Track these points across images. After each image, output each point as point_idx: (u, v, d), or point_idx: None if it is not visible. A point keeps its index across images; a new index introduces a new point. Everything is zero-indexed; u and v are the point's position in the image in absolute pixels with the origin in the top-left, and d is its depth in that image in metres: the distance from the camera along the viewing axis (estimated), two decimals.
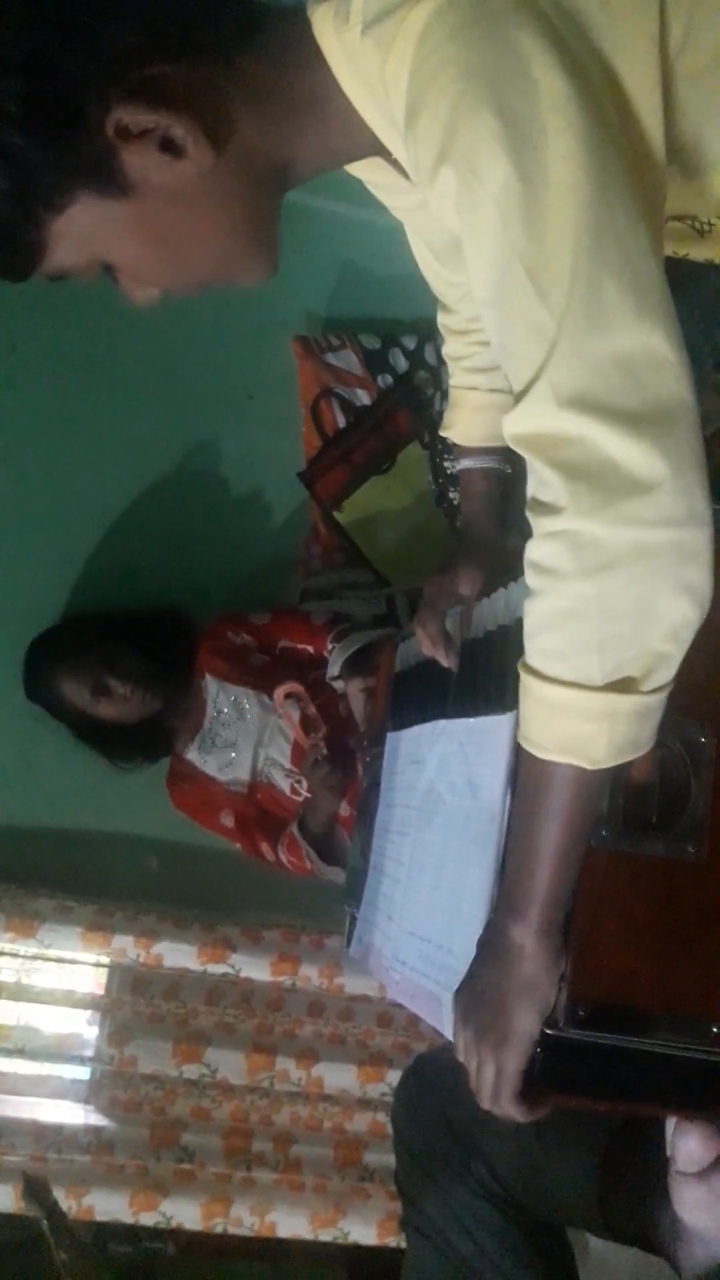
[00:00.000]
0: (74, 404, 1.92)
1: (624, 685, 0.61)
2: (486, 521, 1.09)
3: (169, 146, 0.61)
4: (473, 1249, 1.05)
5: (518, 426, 0.60)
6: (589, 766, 0.63)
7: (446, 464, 1.93)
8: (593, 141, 0.56)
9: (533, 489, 0.61)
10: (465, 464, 1.09)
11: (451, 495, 1.94)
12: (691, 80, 0.64)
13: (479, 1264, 1.04)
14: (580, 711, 0.62)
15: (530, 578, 0.62)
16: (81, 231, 0.63)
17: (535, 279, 0.56)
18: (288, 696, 1.72)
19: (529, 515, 0.61)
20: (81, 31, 0.58)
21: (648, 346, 0.56)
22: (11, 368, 1.89)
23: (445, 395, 1.95)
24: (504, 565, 1.03)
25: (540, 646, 0.63)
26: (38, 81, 0.57)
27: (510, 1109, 0.75)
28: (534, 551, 0.61)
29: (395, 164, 0.73)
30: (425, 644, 1.04)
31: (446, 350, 1.08)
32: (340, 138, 0.70)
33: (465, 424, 1.07)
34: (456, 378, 1.07)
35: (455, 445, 1.10)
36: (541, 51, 0.55)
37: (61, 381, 1.91)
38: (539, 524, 0.60)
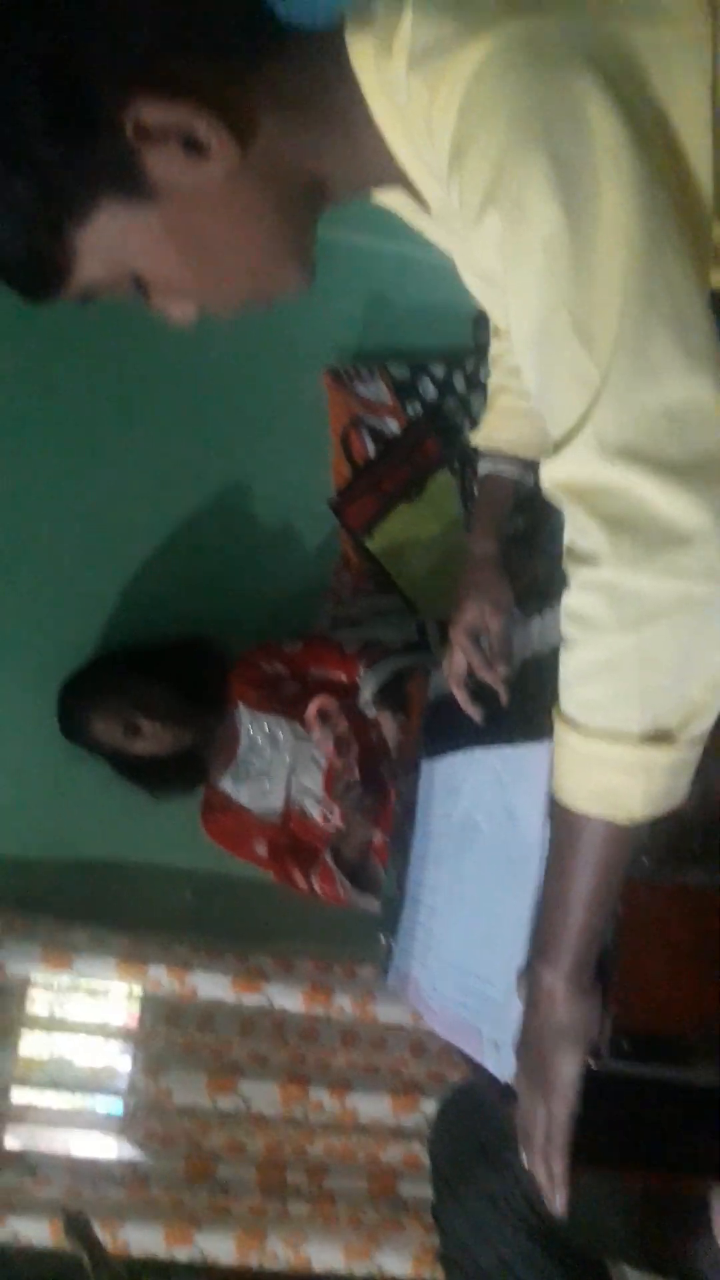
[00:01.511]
0: (110, 440, 1.95)
1: (661, 737, 0.60)
2: (491, 539, 1.10)
3: (192, 146, 0.60)
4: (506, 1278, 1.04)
5: (558, 474, 0.59)
6: (624, 820, 0.63)
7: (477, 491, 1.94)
8: (645, 187, 0.55)
9: (570, 538, 0.60)
10: (486, 467, 1.08)
11: None
12: None
13: None
14: (616, 764, 0.61)
15: (567, 627, 0.61)
16: (109, 241, 0.62)
17: (581, 325, 0.56)
18: (320, 713, 1.72)
19: (566, 564, 0.61)
20: (99, 33, 0.57)
21: (697, 398, 0.55)
22: (50, 406, 1.93)
23: (474, 422, 1.97)
24: (511, 585, 1.06)
25: (577, 697, 0.63)
26: (57, 90, 0.57)
27: (558, 1162, 0.74)
28: (572, 601, 0.60)
29: (416, 196, 0.72)
30: (455, 689, 1.06)
31: (491, 351, 1.07)
32: (366, 161, 0.68)
33: (490, 426, 1.06)
34: (495, 377, 1.07)
35: (479, 452, 1.10)
36: (595, 95, 0.55)
37: (97, 418, 1.94)
38: (577, 574, 0.60)
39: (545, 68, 0.55)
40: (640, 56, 0.57)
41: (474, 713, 1.05)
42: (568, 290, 0.56)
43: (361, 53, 0.64)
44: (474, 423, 1.95)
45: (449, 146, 0.59)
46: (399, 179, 0.70)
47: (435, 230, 0.87)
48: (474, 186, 0.58)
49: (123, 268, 0.64)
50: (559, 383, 0.58)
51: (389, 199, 0.78)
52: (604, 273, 0.55)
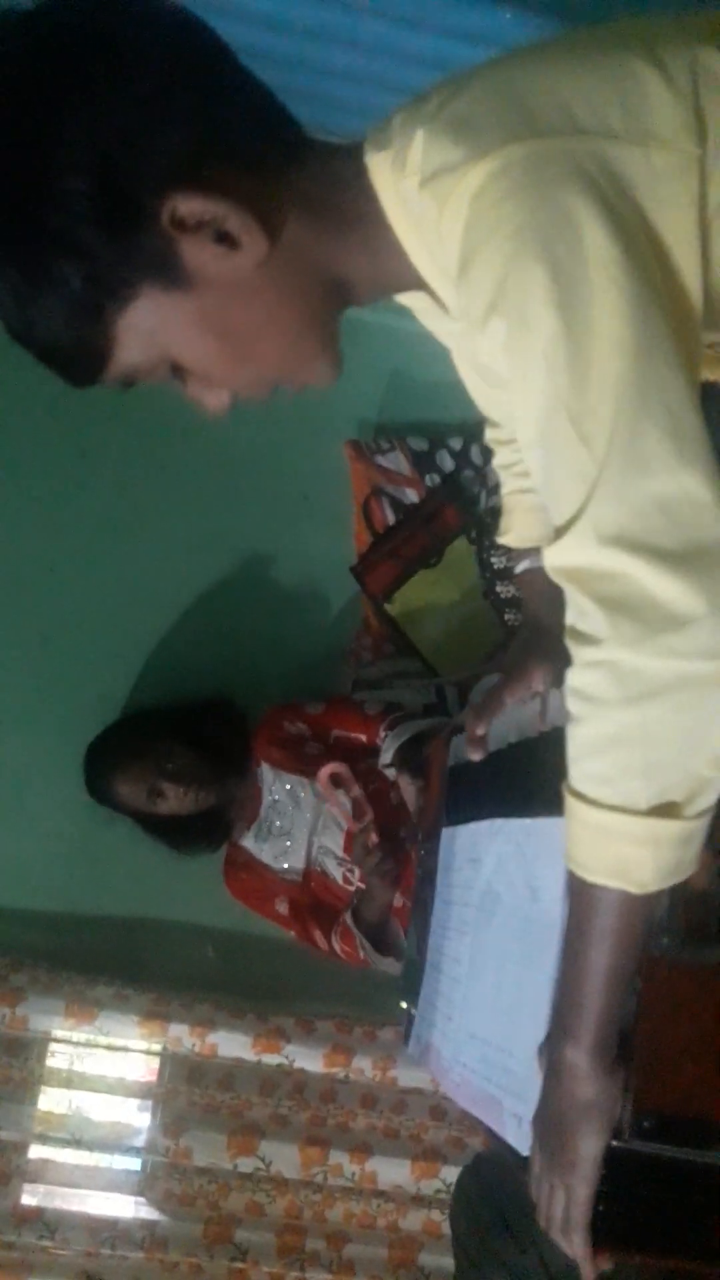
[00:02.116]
0: (138, 506, 2.01)
1: (668, 810, 0.62)
2: (550, 616, 1.09)
3: (224, 239, 0.64)
4: None
5: (559, 559, 0.63)
6: (636, 890, 0.65)
7: (494, 559, 1.98)
8: (637, 298, 0.59)
9: (571, 619, 0.63)
10: (525, 564, 1.10)
11: (499, 588, 1.98)
12: None
13: None
14: (625, 835, 0.63)
15: (572, 704, 0.64)
16: (147, 326, 0.65)
17: (578, 425, 0.59)
18: (331, 778, 1.74)
19: (569, 643, 0.64)
20: (142, 134, 0.61)
21: (686, 490, 0.58)
22: (81, 472, 2.00)
23: (491, 492, 2.03)
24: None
25: (585, 771, 0.65)
26: (102, 180, 0.61)
27: (578, 1241, 0.74)
28: (575, 679, 0.63)
29: (435, 298, 0.76)
30: (472, 752, 1.04)
31: (497, 461, 1.10)
32: (389, 268, 0.73)
33: (521, 525, 1.08)
34: (509, 484, 1.09)
35: (514, 551, 1.11)
36: (590, 214, 0.59)
37: (127, 484, 2.01)
38: (580, 653, 0.63)
39: (543, 187, 0.60)
40: (632, 177, 0.61)
41: (476, 754, 1.04)
42: (566, 393, 0.59)
43: (379, 167, 0.69)
44: (490, 492, 2.02)
45: (457, 258, 0.64)
46: (418, 283, 0.75)
47: (439, 328, 0.91)
48: (479, 296, 0.62)
49: (160, 353, 0.68)
50: (560, 477, 0.61)
51: (405, 298, 0.83)
52: (599, 377, 0.58)
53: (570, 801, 0.66)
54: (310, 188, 0.69)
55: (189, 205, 0.62)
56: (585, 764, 0.65)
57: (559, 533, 0.62)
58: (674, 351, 0.60)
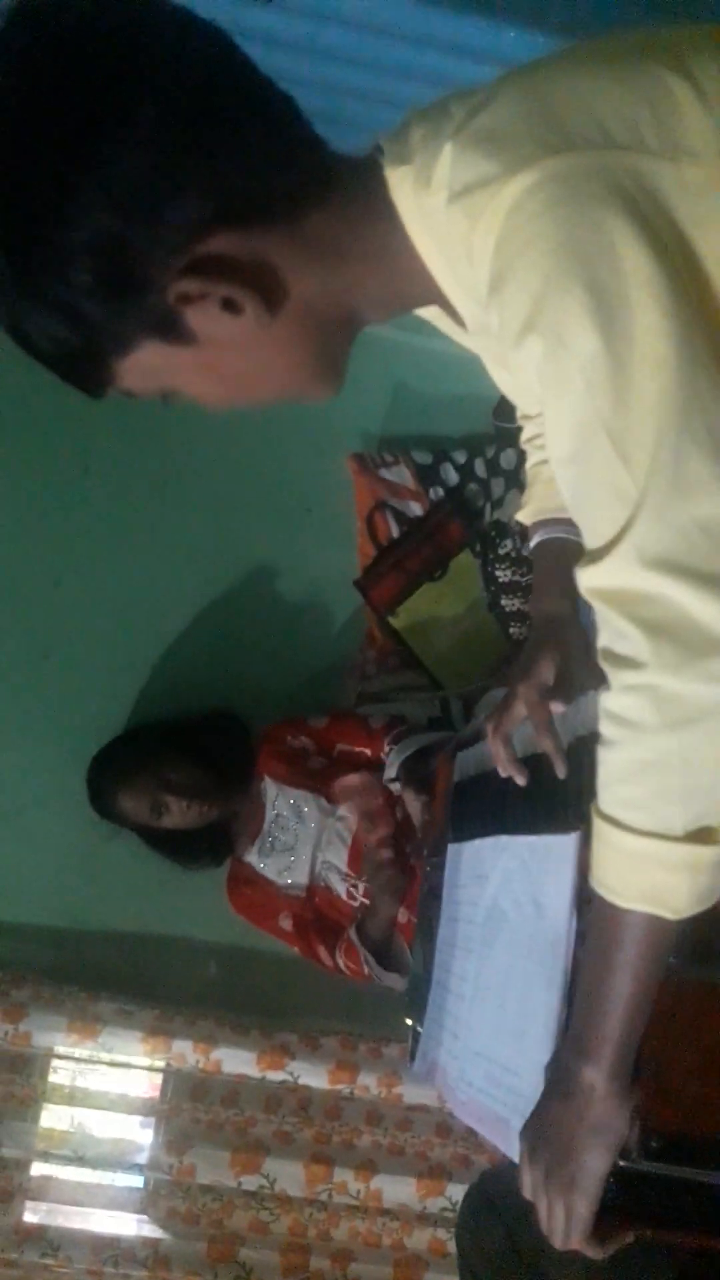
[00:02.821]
0: (142, 520, 2.02)
1: (704, 835, 0.62)
2: (563, 600, 1.05)
3: (229, 305, 0.64)
4: None
5: (598, 581, 0.62)
6: (671, 916, 0.65)
7: (498, 573, 1.99)
8: (677, 315, 0.58)
9: (607, 641, 0.63)
10: (540, 535, 1.07)
11: (503, 602, 1.98)
12: None
13: None
14: (661, 862, 0.63)
15: (608, 728, 0.64)
16: (148, 368, 0.66)
17: (620, 445, 0.59)
18: (348, 788, 1.73)
19: (604, 666, 0.63)
20: (146, 210, 0.60)
21: None
22: (85, 486, 2.01)
23: (495, 505, 2.03)
24: (581, 651, 0.99)
25: (619, 796, 0.65)
26: (106, 257, 0.60)
27: (583, 1248, 0.75)
28: (613, 703, 0.63)
29: (453, 314, 0.76)
30: (501, 765, 1.01)
31: (524, 436, 1.08)
32: (407, 287, 0.72)
33: (541, 496, 1.06)
34: (533, 457, 1.08)
35: (530, 525, 1.09)
36: (629, 231, 0.58)
37: (131, 498, 2.02)
38: (618, 677, 0.62)
39: (579, 204, 0.59)
40: (667, 192, 0.60)
41: (516, 773, 0.98)
42: (607, 413, 0.59)
43: (400, 183, 0.68)
44: (494, 506, 2.02)
45: (488, 275, 0.63)
46: (436, 299, 0.74)
47: (465, 336, 0.91)
48: (514, 314, 0.61)
49: (160, 387, 0.69)
50: (598, 497, 0.61)
51: (429, 312, 0.81)
52: (640, 397, 0.58)
53: (601, 825, 0.66)
54: (328, 227, 0.67)
55: (193, 285, 0.62)
56: (619, 789, 0.64)
57: (596, 555, 0.62)
58: (714, 372, 0.60)
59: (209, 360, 0.67)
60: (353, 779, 1.74)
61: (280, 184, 0.65)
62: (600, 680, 0.65)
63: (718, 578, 0.58)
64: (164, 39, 0.61)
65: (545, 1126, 0.76)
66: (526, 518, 1.09)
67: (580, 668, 0.99)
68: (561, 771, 0.93)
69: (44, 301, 0.62)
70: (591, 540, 0.63)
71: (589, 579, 0.63)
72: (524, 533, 1.15)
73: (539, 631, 1.06)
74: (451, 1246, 1.34)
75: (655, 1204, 0.76)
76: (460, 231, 0.64)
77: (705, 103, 0.62)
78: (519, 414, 1.08)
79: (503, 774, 1.00)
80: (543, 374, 0.62)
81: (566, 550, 1.04)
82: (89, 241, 0.60)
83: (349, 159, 0.70)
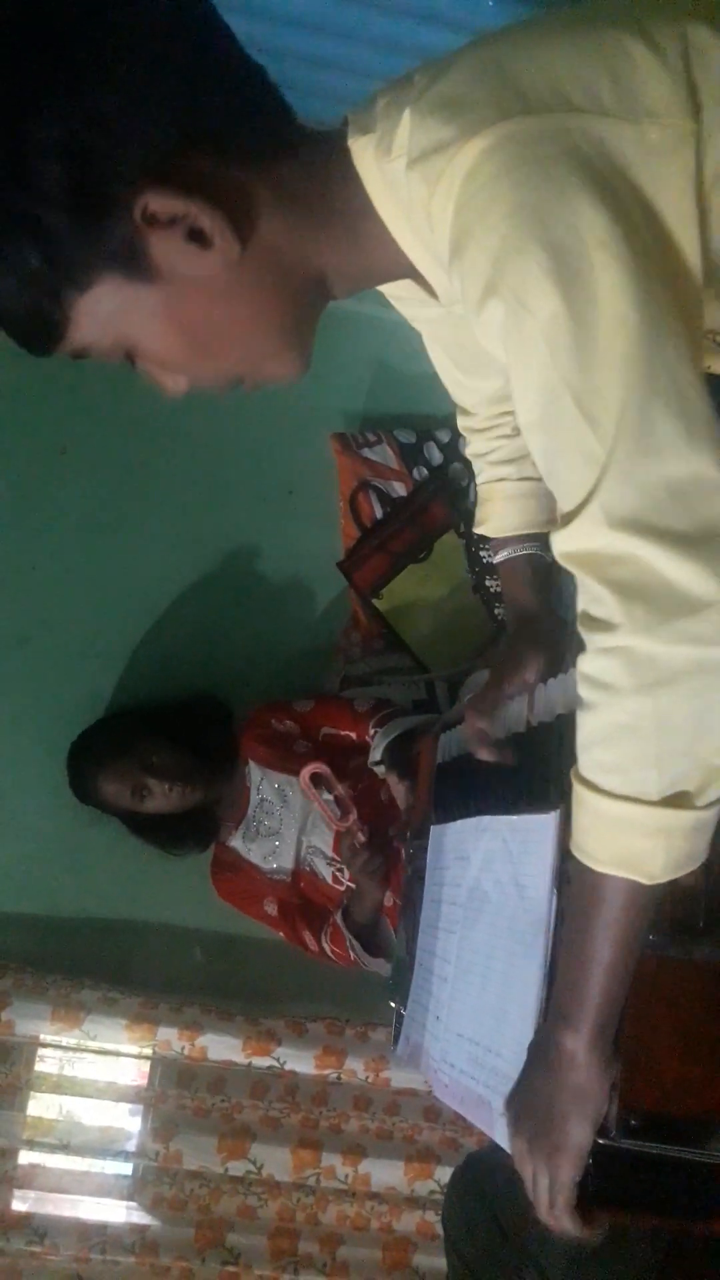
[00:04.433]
0: (120, 502, 1.99)
1: (680, 800, 0.62)
2: (536, 602, 1.07)
3: (196, 236, 0.62)
4: None
5: (569, 545, 0.61)
6: (646, 881, 0.64)
7: (482, 553, 1.97)
8: (638, 275, 0.58)
9: (584, 604, 0.62)
10: (505, 554, 1.08)
11: (488, 583, 1.97)
12: None
13: None
14: (637, 826, 0.62)
15: (584, 691, 0.63)
16: (106, 312, 0.64)
17: (585, 407, 0.58)
18: (312, 778, 1.72)
19: (580, 630, 0.63)
20: (119, 121, 0.59)
21: (697, 472, 0.57)
22: (61, 468, 1.98)
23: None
24: (562, 645, 1.01)
25: (595, 759, 0.64)
26: (76, 167, 0.59)
27: (566, 1221, 0.75)
28: (588, 666, 0.62)
29: (426, 285, 0.75)
30: (480, 750, 1.02)
31: (470, 450, 1.08)
32: (373, 257, 0.71)
33: (500, 515, 1.07)
34: (484, 474, 1.08)
35: (492, 540, 1.10)
36: (587, 193, 0.58)
37: (108, 480, 1.99)
38: (593, 639, 0.62)
39: (536, 166, 0.58)
40: (627, 155, 0.60)
41: (505, 757, 1.00)
42: (571, 375, 0.58)
43: (363, 152, 0.67)
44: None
45: (448, 240, 0.63)
46: (406, 271, 0.73)
47: (416, 314, 0.90)
48: (475, 278, 0.61)
49: (116, 337, 0.66)
50: (567, 461, 0.60)
51: (387, 287, 0.81)
52: (605, 357, 0.58)
53: (579, 790, 0.66)
54: (295, 181, 0.67)
55: (162, 202, 0.61)
56: (596, 752, 0.64)
57: (567, 518, 0.61)
58: (678, 330, 0.59)
59: (171, 303, 0.65)
60: (304, 776, 1.70)
61: (251, 127, 0.65)
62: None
63: (687, 537, 0.57)
64: None
65: (528, 1096, 0.77)
66: (488, 532, 1.10)
67: (559, 655, 1.00)
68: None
69: (4, 210, 0.60)
70: (564, 504, 0.62)
71: (561, 543, 0.62)
72: (490, 550, 1.15)
73: (516, 628, 1.07)
74: (440, 1229, 1.34)
75: (635, 1185, 0.75)
76: (420, 197, 0.64)
77: (665, 64, 0.62)
78: (460, 425, 1.07)
79: (484, 758, 1.00)
80: (506, 338, 0.61)
81: (532, 563, 1.06)
82: (57, 143, 0.58)
83: (317, 130, 0.69)
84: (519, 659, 1.00)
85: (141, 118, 0.59)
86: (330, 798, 1.69)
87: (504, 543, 1.08)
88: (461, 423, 1.08)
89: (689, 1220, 0.78)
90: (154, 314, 0.65)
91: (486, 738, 1.01)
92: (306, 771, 1.68)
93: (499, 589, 2.00)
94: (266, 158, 0.66)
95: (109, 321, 0.65)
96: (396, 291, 0.84)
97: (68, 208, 0.59)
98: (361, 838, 1.64)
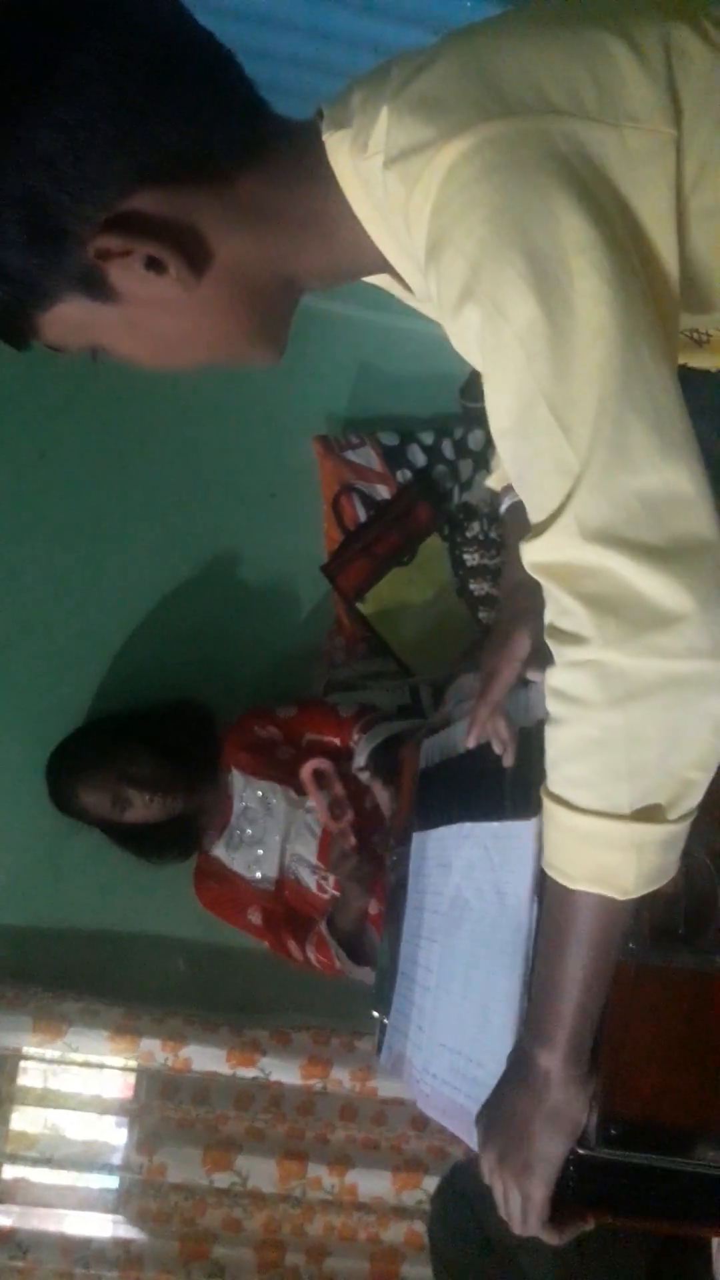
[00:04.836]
0: (101, 506, 1.97)
1: (651, 814, 0.61)
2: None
3: (153, 264, 0.63)
4: None
5: (540, 556, 0.60)
6: (619, 896, 0.63)
7: (467, 556, 1.96)
8: (617, 283, 0.57)
9: (551, 617, 0.61)
10: (509, 501, 1.06)
11: (473, 586, 1.96)
12: (703, 218, 0.65)
13: None
14: (609, 841, 0.62)
15: (553, 705, 0.62)
16: (73, 323, 0.65)
17: (560, 416, 0.57)
18: (315, 774, 1.70)
19: (549, 642, 0.62)
20: (69, 164, 0.59)
21: (671, 485, 0.57)
22: (41, 472, 1.96)
23: (463, 487, 2.00)
24: None
25: (566, 775, 0.63)
26: (29, 209, 0.59)
27: (540, 1234, 0.74)
28: (558, 680, 0.61)
29: (402, 282, 0.74)
30: (494, 740, 0.99)
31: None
32: (348, 255, 0.71)
33: None
34: None
35: (500, 490, 1.08)
36: (567, 198, 0.57)
37: (89, 484, 1.97)
38: (562, 653, 0.60)
39: (516, 170, 0.57)
40: (608, 159, 0.59)
41: (506, 752, 0.98)
42: (547, 383, 0.57)
43: (338, 148, 0.66)
44: (463, 488, 2.00)
45: (425, 242, 0.62)
46: (381, 266, 0.72)
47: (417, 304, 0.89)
48: (451, 282, 0.60)
49: (85, 342, 0.68)
50: (539, 469, 0.59)
51: (379, 278, 0.80)
52: (581, 366, 0.57)
53: (549, 806, 0.65)
54: (262, 190, 0.66)
55: (114, 241, 0.61)
56: (566, 767, 0.63)
57: (539, 529, 0.60)
58: (655, 339, 0.58)
59: (134, 319, 0.66)
60: (306, 772, 1.69)
61: (212, 145, 0.63)
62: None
63: (660, 550, 0.56)
64: None
65: (501, 1111, 0.75)
66: (496, 483, 1.09)
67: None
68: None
69: None
70: (535, 514, 0.61)
71: (531, 554, 0.61)
72: (494, 501, 1.14)
73: (511, 601, 1.05)
74: (428, 1239, 1.33)
75: (616, 1191, 0.74)
76: (397, 197, 0.63)
77: (647, 67, 0.61)
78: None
79: (497, 750, 0.99)
80: (482, 344, 0.60)
81: None
82: (11, 194, 0.59)
83: (290, 123, 0.68)
84: (510, 634, 0.98)
85: (89, 160, 0.59)
86: (328, 798, 1.68)
87: (506, 493, 1.07)
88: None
89: (673, 1223, 0.77)
90: (119, 328, 0.66)
91: (501, 734, 0.99)
92: (309, 767, 1.66)
93: (483, 592, 1.99)
94: (230, 172, 0.65)
95: (77, 331, 0.66)
96: (380, 281, 0.83)
97: (23, 245, 0.60)
98: (352, 842, 1.62)
